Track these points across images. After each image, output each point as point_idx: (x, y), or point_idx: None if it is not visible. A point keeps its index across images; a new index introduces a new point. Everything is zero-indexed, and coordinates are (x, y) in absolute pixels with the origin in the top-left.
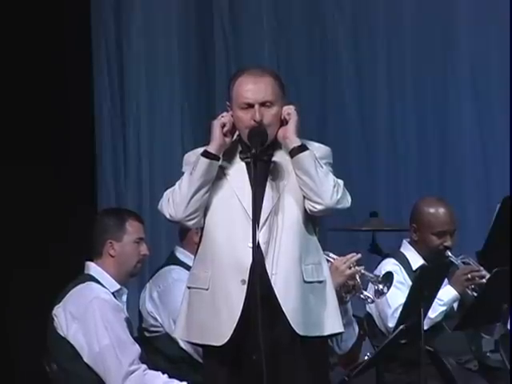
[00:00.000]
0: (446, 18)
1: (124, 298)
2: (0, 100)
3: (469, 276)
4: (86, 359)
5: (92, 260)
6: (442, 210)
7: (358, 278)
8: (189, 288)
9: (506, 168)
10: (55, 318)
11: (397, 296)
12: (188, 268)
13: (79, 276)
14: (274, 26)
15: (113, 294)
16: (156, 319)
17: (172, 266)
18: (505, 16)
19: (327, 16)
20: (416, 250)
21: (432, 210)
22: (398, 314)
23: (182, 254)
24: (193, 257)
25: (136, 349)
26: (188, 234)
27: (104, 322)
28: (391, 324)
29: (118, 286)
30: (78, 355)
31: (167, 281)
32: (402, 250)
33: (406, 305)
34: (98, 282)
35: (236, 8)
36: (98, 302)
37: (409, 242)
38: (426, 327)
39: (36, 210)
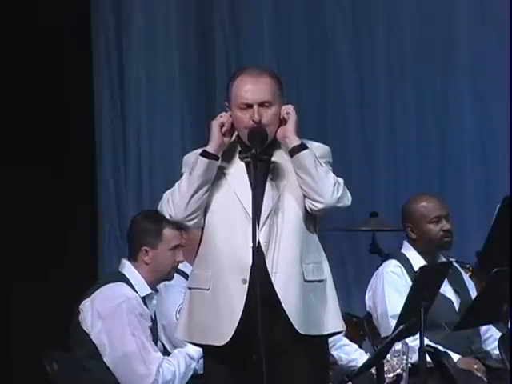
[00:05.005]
0: (446, 18)
1: (154, 301)
2: (0, 100)
3: None
4: (105, 359)
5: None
6: (430, 200)
7: None
8: (190, 288)
9: (506, 168)
10: (81, 312)
11: (397, 302)
12: (178, 272)
13: (113, 272)
14: (273, 26)
15: (143, 298)
16: None
17: None
18: (505, 16)
19: (327, 16)
20: (417, 249)
21: (422, 203)
22: (394, 324)
23: None
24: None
25: (158, 356)
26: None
27: (131, 328)
28: (389, 331)
29: (149, 291)
30: (98, 353)
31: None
32: (403, 250)
33: (406, 305)
34: (129, 283)
35: (236, 8)
36: (127, 307)
37: (408, 242)
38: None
39: (36, 209)
